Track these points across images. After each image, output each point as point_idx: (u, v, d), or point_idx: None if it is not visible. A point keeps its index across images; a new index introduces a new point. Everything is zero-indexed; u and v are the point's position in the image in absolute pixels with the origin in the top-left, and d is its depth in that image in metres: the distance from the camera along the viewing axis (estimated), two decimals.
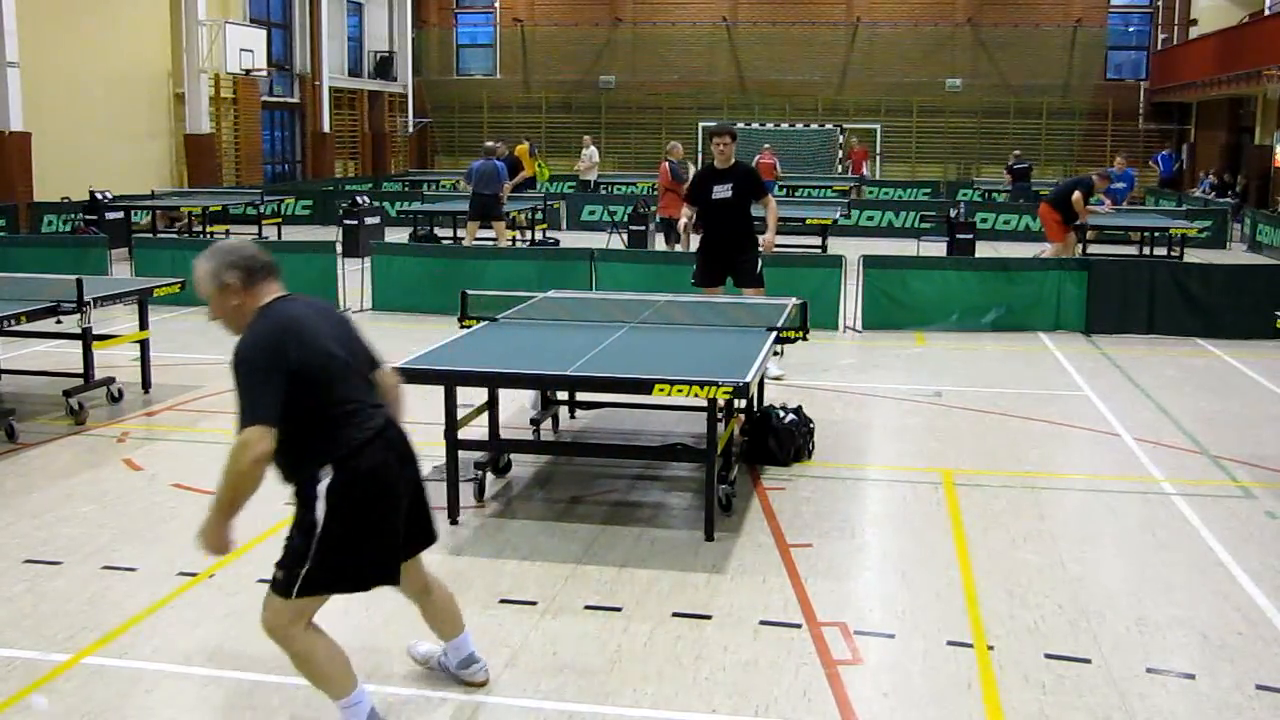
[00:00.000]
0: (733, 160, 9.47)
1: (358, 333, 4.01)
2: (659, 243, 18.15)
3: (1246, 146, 28.27)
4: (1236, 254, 20.80)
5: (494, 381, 6.41)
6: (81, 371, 8.33)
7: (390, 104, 35.06)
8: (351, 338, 3.95)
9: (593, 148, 27.45)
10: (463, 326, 7.32)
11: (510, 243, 17.69)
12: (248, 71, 25.55)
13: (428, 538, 4.09)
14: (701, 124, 34.64)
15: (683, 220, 10.00)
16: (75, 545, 5.72)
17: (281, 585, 3.71)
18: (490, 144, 17.70)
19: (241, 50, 25.03)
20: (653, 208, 18.72)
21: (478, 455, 6.57)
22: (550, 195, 23.68)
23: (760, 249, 9.58)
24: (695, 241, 16.06)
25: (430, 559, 5.61)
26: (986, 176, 30.77)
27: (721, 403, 5.98)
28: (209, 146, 25.12)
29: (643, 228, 18.56)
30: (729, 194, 9.34)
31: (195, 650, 4.59)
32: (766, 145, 26.61)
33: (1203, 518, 6.33)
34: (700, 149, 34.81)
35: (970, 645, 4.73)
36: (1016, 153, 26.63)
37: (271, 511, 6.27)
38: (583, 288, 12.04)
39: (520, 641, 4.69)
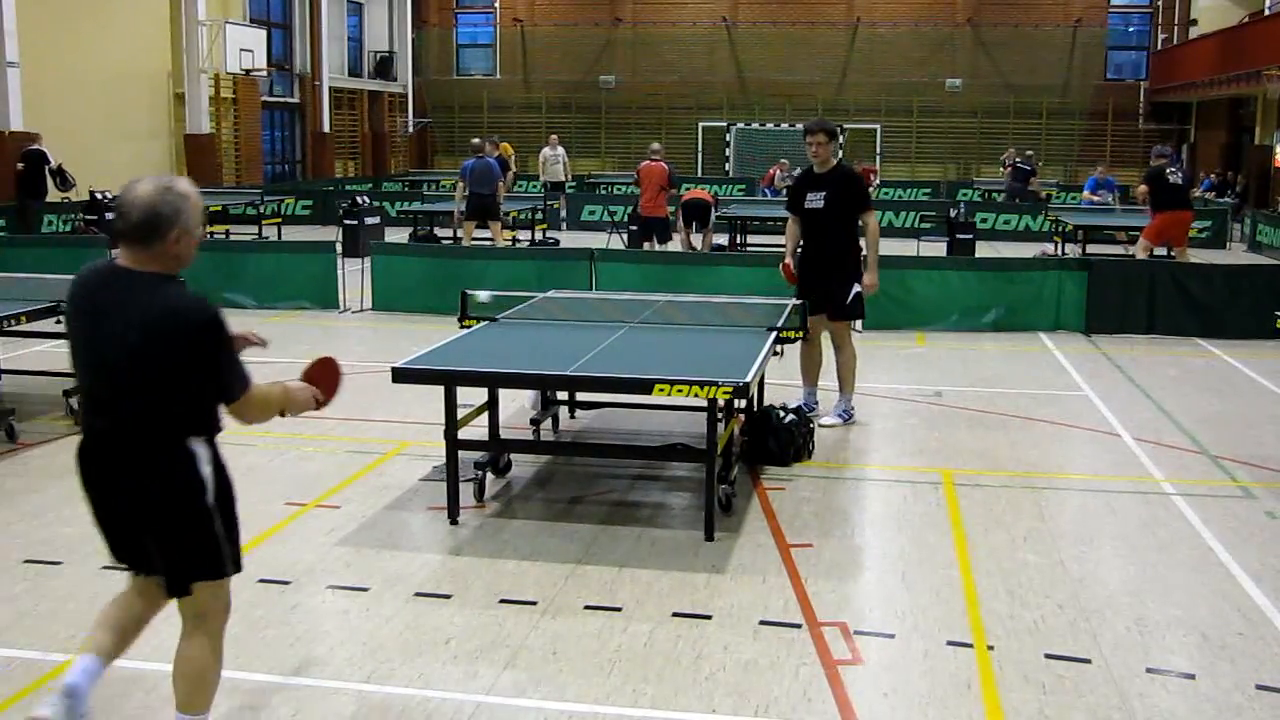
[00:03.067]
0: (832, 163, 8.04)
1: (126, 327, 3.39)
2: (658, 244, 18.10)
3: (1246, 146, 28.28)
4: (1236, 254, 20.80)
5: (494, 381, 6.41)
6: None
7: (390, 104, 35.07)
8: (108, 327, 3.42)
9: (560, 148, 25.23)
10: (463, 326, 7.32)
11: (510, 243, 17.65)
12: (248, 71, 25.56)
13: (154, 569, 3.64)
14: (702, 124, 34.81)
15: (788, 243, 8.45)
16: (75, 545, 5.71)
17: None
18: (476, 141, 17.46)
19: (241, 50, 25.03)
20: None
21: (478, 455, 6.57)
22: (550, 195, 23.67)
23: (858, 283, 8.14)
24: (677, 242, 15.65)
25: (431, 559, 5.63)
26: (987, 176, 30.77)
27: (721, 403, 5.98)
28: (209, 146, 25.14)
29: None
30: (820, 204, 7.99)
31: None
32: (783, 159, 26.39)
33: (1203, 518, 6.33)
34: (701, 149, 34.92)
35: (970, 645, 4.73)
36: (1029, 153, 26.53)
37: (272, 512, 6.29)
38: (583, 288, 12.04)
39: (520, 641, 4.69)
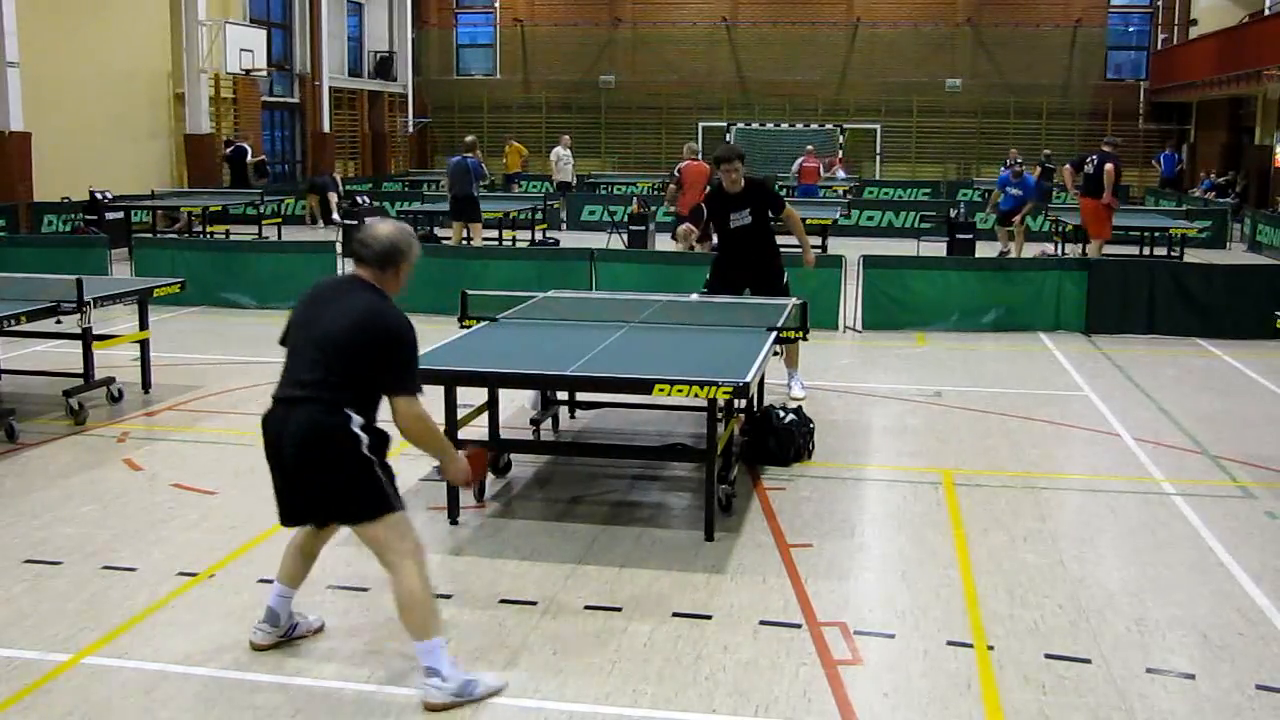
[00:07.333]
0: (742, 182, 8.61)
1: (333, 318, 4.26)
2: (660, 242, 18.13)
3: (1246, 146, 28.27)
4: (1236, 254, 20.80)
5: (494, 381, 6.40)
6: (81, 371, 8.32)
7: (390, 104, 35.03)
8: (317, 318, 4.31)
9: (566, 151, 25.36)
10: (463, 326, 7.32)
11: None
12: (248, 71, 25.52)
13: (319, 518, 4.44)
14: (702, 124, 34.76)
15: (693, 237, 9.44)
16: (75, 545, 5.72)
17: None
18: (470, 138, 17.46)
19: (241, 50, 24.99)
20: (653, 207, 18.75)
21: None
22: (551, 196, 23.66)
23: (804, 264, 9.19)
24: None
25: (431, 559, 5.62)
26: (986, 176, 30.74)
27: (721, 403, 5.98)
28: (209, 146, 25.10)
29: (643, 228, 18.57)
30: (748, 220, 8.61)
31: (195, 650, 4.59)
32: (810, 146, 25.89)
33: (1203, 518, 6.33)
34: (702, 149, 34.80)
35: (970, 645, 4.73)
36: (1048, 153, 26.33)
37: (272, 512, 6.28)
38: (583, 288, 12.04)
39: (520, 641, 4.69)
